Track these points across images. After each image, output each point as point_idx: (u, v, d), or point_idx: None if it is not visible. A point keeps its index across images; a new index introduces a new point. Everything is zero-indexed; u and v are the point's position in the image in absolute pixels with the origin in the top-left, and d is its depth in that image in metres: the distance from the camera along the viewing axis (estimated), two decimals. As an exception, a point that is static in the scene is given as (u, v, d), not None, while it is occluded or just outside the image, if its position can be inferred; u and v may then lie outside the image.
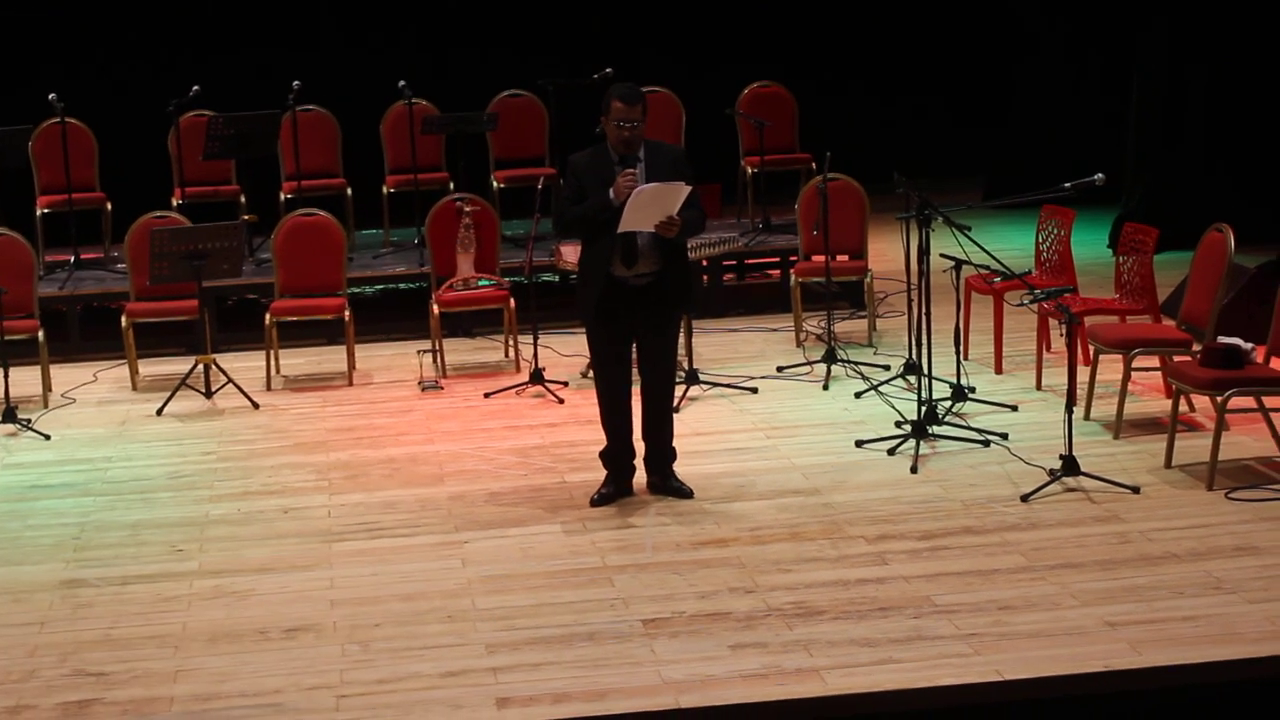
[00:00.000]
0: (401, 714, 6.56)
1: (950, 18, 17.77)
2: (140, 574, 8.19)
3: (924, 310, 9.88)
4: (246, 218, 13.58)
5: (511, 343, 12.08)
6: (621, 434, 8.99)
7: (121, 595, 7.92)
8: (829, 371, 11.24)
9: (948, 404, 10.20)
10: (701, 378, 11.10)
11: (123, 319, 11.86)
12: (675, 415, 9.21)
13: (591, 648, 7.11)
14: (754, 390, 11.03)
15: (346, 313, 11.79)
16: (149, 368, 12.15)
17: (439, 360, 11.94)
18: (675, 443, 9.11)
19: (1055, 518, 8.43)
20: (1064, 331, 9.16)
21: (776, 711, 6.52)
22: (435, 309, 11.94)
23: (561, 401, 10.96)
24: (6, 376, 10.84)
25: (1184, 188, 14.70)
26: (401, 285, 13.80)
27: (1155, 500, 8.64)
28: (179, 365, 11.91)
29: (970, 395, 10.38)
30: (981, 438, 9.66)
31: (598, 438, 9.14)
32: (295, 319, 12.12)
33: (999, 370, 11.25)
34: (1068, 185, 9.67)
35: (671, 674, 6.83)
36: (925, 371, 9.87)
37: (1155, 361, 10.26)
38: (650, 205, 8.51)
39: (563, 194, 8.99)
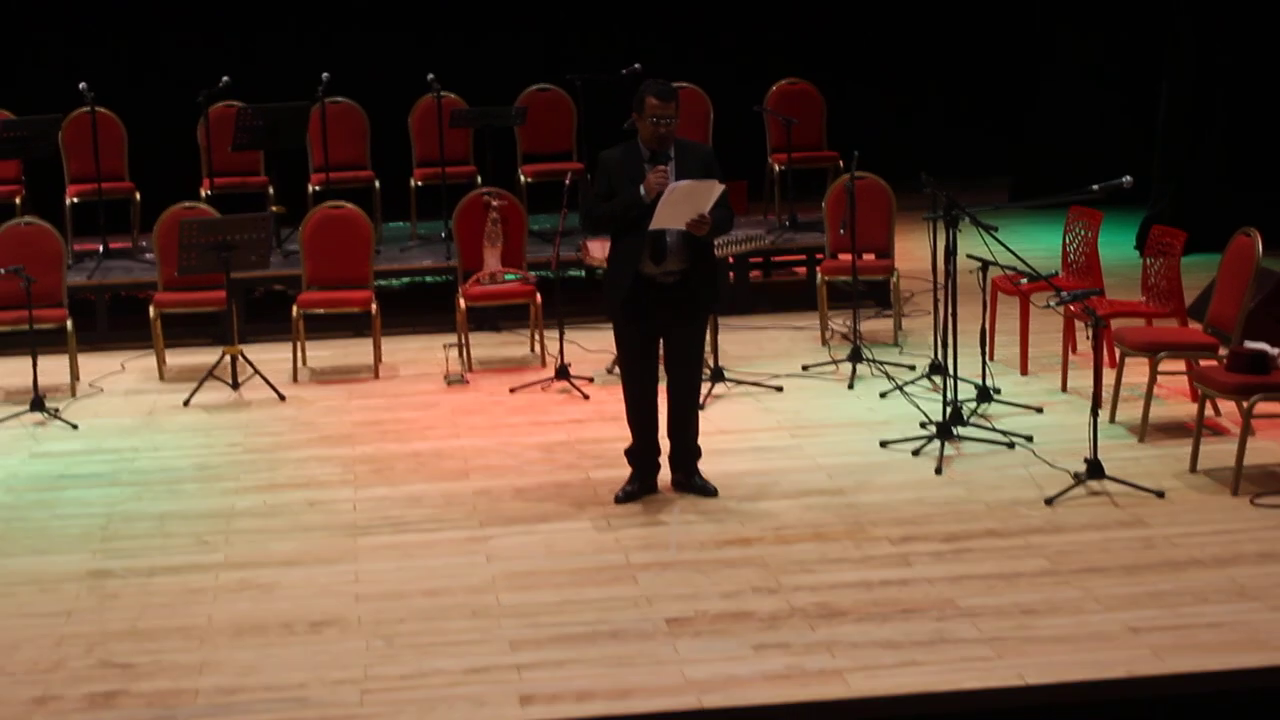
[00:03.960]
0: (425, 710, 6.59)
1: (979, 17, 17.74)
2: (166, 565, 8.23)
3: (950, 311, 9.88)
4: (275, 209, 13.64)
5: (537, 338, 12.11)
6: (647, 431, 9.00)
7: (148, 586, 7.96)
8: (854, 371, 11.25)
9: (973, 405, 10.20)
10: (727, 375, 11.12)
11: (150, 309, 11.91)
12: (700, 413, 9.22)
13: (615, 646, 7.13)
14: (779, 389, 11.05)
15: (373, 306, 11.82)
16: (176, 358, 12.20)
17: (465, 354, 11.96)
18: (700, 441, 9.12)
19: (1079, 521, 8.43)
20: (1090, 334, 9.15)
21: (799, 713, 6.55)
22: (462, 303, 11.97)
23: (587, 397, 10.99)
24: (35, 365, 10.88)
25: (1212, 190, 14.68)
26: (428, 279, 13.83)
27: (1180, 505, 8.64)
28: (206, 356, 11.96)
29: (995, 396, 10.39)
30: (1006, 440, 9.66)
31: (623, 434, 9.16)
32: (322, 311, 12.15)
33: (1024, 371, 11.24)
34: (1095, 187, 9.65)
35: (695, 673, 6.85)
36: (950, 372, 9.88)
37: (1181, 365, 10.25)
38: (683, 203, 8.52)
39: (592, 190, 9.00)
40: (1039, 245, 14.22)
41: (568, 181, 11.58)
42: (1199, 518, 8.46)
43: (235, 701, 6.73)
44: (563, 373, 11.26)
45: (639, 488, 9.01)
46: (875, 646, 7.05)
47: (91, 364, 12.14)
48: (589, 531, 8.55)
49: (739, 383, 11.10)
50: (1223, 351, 9.54)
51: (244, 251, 11.37)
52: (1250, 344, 9.12)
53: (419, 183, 14.32)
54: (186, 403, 11.16)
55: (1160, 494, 8.75)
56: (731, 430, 10.17)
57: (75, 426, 10.68)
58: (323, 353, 12.43)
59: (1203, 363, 9.62)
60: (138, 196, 13.93)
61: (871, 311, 12.97)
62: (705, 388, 10.28)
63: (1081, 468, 8.93)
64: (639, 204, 8.60)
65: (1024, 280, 10.54)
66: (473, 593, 7.77)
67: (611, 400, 10.26)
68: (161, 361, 11.95)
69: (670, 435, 9.06)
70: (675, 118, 8.70)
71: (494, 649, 7.14)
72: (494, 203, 12.16)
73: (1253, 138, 14.89)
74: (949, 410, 9.76)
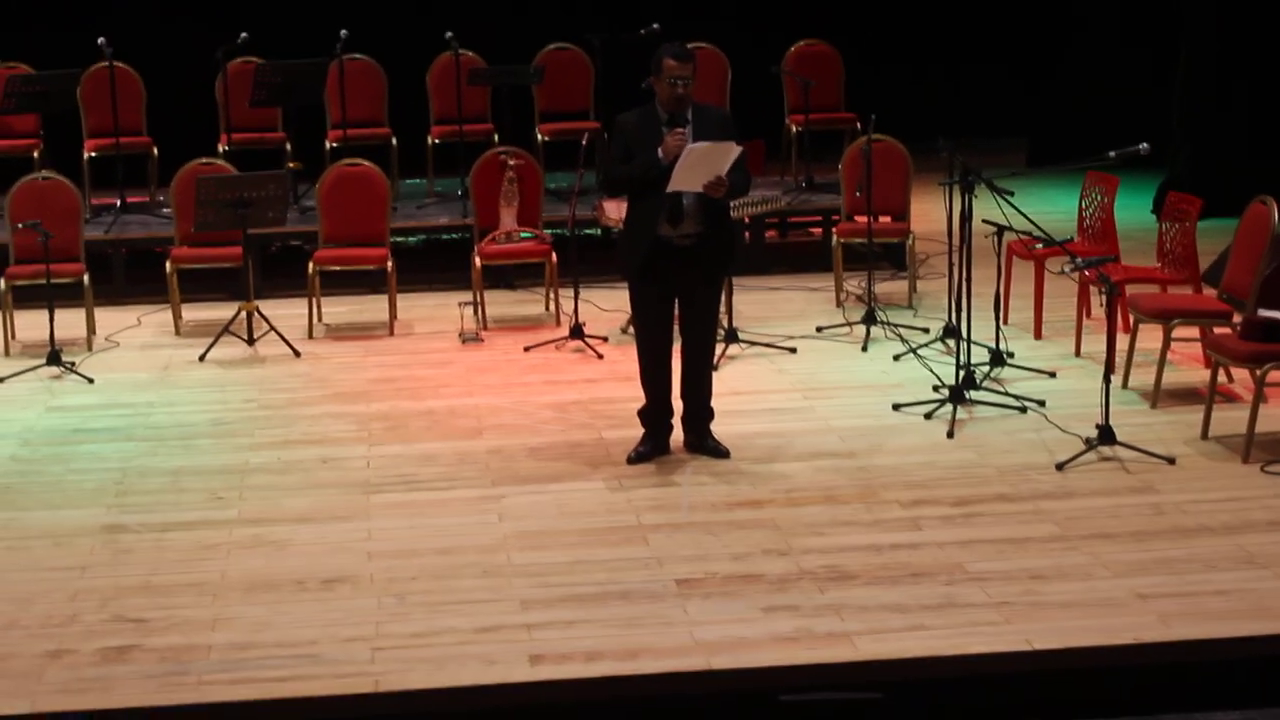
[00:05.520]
0: (435, 669, 6.64)
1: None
2: (180, 521, 8.28)
3: (965, 275, 9.89)
4: (291, 165, 13.66)
5: (552, 296, 12.13)
6: (661, 392, 9.03)
7: (162, 542, 8.00)
8: (868, 333, 11.26)
9: (986, 369, 10.21)
10: (741, 336, 11.13)
11: (167, 264, 11.95)
12: (714, 374, 9.24)
13: (625, 607, 7.17)
14: (793, 350, 11.06)
15: (389, 263, 11.85)
16: (192, 313, 12.23)
17: (480, 312, 11.99)
18: (713, 402, 9.14)
19: (1090, 487, 8.45)
20: (1104, 300, 9.16)
21: (807, 675, 6.59)
22: (477, 261, 11.99)
23: (601, 357, 11.01)
24: (52, 319, 10.93)
25: (1230, 154, 14.63)
26: (444, 236, 13.83)
27: (1190, 472, 8.66)
28: (222, 311, 11.98)
29: (1009, 361, 10.39)
30: (1019, 404, 9.67)
31: (636, 395, 9.18)
32: (338, 268, 12.17)
33: (1038, 336, 11.25)
34: (1112, 154, 9.63)
35: (704, 635, 6.88)
36: (964, 336, 9.89)
37: (1195, 332, 10.25)
38: (700, 165, 8.53)
39: (610, 152, 9.01)
40: (1056, 208, 14.19)
41: (585, 141, 11.59)
42: (1209, 485, 8.47)
43: (247, 658, 6.78)
44: (577, 332, 11.29)
45: (651, 448, 9.04)
46: (884, 610, 7.08)
47: (108, 318, 12.18)
48: (601, 492, 8.59)
49: (753, 344, 11.12)
50: (1237, 319, 9.54)
51: (261, 208, 11.40)
52: (1264, 312, 9.11)
53: (436, 140, 14.32)
54: (202, 358, 11.21)
55: (1171, 460, 8.76)
56: (744, 391, 10.19)
57: (91, 381, 10.73)
58: (338, 309, 12.46)
59: (1216, 330, 9.62)
60: (155, 151, 13.96)
61: (886, 274, 12.97)
62: (719, 349, 10.30)
63: (1093, 433, 8.94)
64: (657, 166, 8.61)
65: (1039, 245, 10.54)
66: (484, 552, 7.81)
67: (625, 360, 10.29)
68: (178, 316, 12.00)
69: (683, 396, 9.08)
70: (692, 79, 8.71)
71: (504, 608, 7.18)
72: (510, 161, 12.18)
73: (1272, 101, 14.84)
74: (962, 374, 9.77)
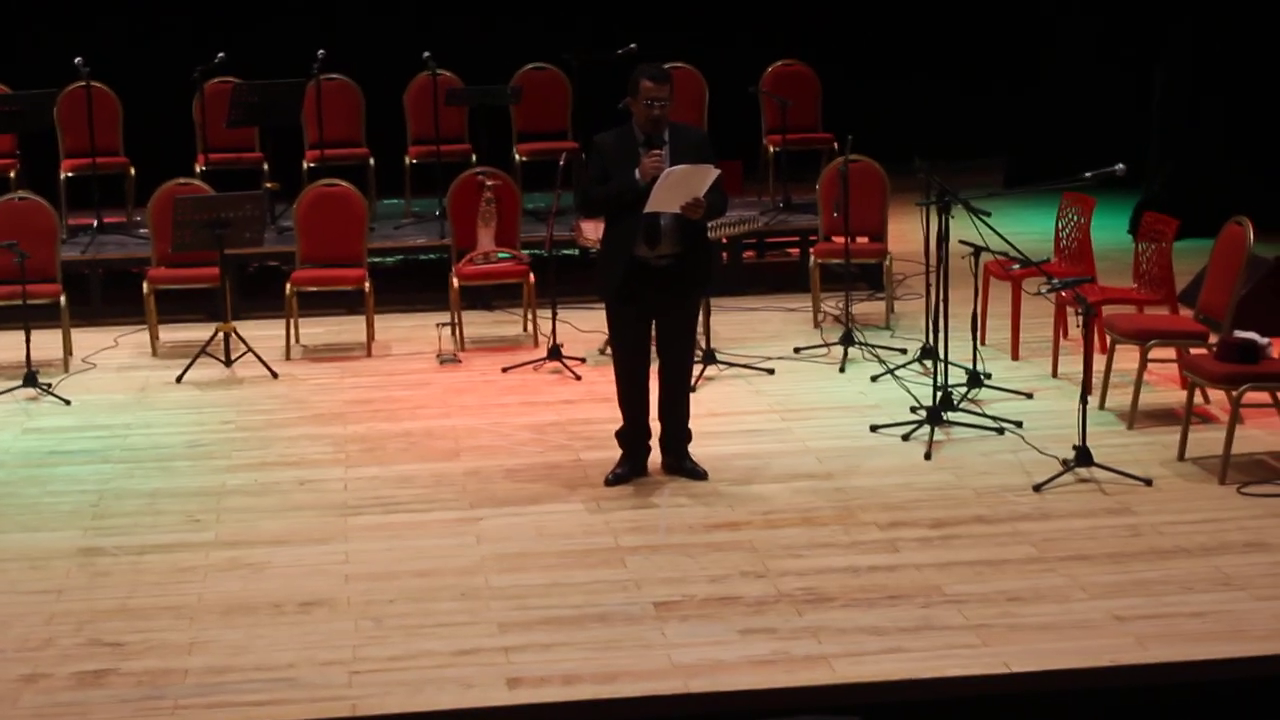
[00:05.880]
0: (413, 692, 6.63)
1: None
2: (157, 543, 8.26)
3: (942, 295, 9.90)
4: (269, 185, 13.64)
5: (530, 317, 12.12)
6: (638, 414, 9.03)
7: (138, 565, 7.98)
8: (846, 354, 11.28)
9: (963, 390, 10.23)
10: (718, 357, 11.14)
11: (144, 285, 11.92)
12: (691, 395, 9.24)
13: (603, 629, 7.16)
14: (770, 371, 11.07)
15: (367, 284, 11.84)
16: (170, 334, 12.21)
17: (458, 333, 11.98)
18: (691, 423, 9.14)
19: (1067, 509, 8.46)
20: (1081, 321, 9.19)
21: (785, 698, 6.59)
22: (455, 282, 11.99)
23: (579, 378, 11.01)
24: (28, 340, 10.90)
25: (1206, 175, 14.69)
26: (422, 257, 13.83)
27: (1167, 493, 8.67)
28: (199, 332, 11.96)
29: (986, 381, 10.41)
30: (996, 425, 9.69)
31: (614, 416, 9.18)
32: (316, 289, 12.15)
33: (1015, 356, 11.27)
34: (1088, 174, 9.66)
35: (681, 658, 6.88)
36: (941, 356, 9.90)
37: (1171, 353, 10.27)
38: (678, 187, 8.54)
39: (587, 173, 9.02)
40: (1033, 229, 14.22)
41: (562, 161, 11.61)
42: (1186, 506, 8.49)
43: (224, 682, 6.76)
44: (555, 353, 11.29)
45: (629, 470, 9.04)
46: (861, 633, 7.08)
47: (85, 339, 12.15)
48: (579, 513, 8.58)
49: (730, 365, 11.13)
50: (1213, 340, 9.56)
51: (238, 228, 11.38)
52: (1240, 333, 9.14)
53: (414, 160, 14.32)
54: (179, 379, 11.18)
55: (1148, 482, 8.78)
56: (722, 413, 10.19)
57: (68, 402, 10.70)
58: (316, 330, 12.44)
59: (1193, 351, 9.65)
60: (132, 171, 13.94)
61: (864, 294, 12.99)
62: (697, 370, 10.30)
63: (1070, 454, 8.96)
64: (634, 187, 8.61)
65: (1016, 266, 10.56)
66: (462, 574, 7.79)
67: (603, 381, 10.28)
68: (155, 337, 11.97)
69: (661, 417, 9.08)
70: (669, 100, 8.72)
71: (482, 631, 7.17)
72: (488, 182, 12.18)
73: (1248, 122, 14.90)
74: (939, 395, 9.79)
